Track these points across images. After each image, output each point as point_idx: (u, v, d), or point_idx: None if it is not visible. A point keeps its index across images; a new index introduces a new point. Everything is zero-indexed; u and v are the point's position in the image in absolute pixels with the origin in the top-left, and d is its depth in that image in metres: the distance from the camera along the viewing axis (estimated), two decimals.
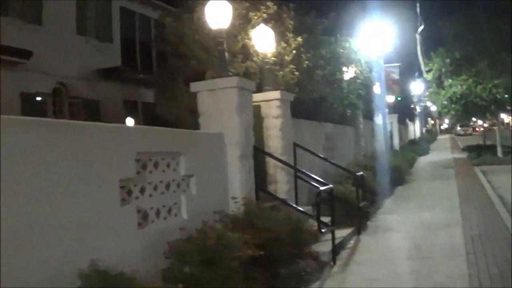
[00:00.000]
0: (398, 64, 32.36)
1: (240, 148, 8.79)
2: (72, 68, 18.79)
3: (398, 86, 34.06)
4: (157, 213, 7.04)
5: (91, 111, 19.64)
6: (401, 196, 16.58)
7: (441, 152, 39.24)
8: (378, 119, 24.58)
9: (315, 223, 8.54)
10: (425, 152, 38.26)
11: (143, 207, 6.73)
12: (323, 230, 8.33)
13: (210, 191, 8.17)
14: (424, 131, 56.41)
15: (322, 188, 8.63)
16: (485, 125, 59.19)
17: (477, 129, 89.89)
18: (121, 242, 6.05)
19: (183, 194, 7.60)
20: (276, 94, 11.07)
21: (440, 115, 65.11)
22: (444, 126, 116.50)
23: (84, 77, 19.44)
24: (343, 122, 18.87)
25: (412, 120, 52.18)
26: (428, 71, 26.64)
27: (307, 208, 10.86)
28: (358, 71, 17.91)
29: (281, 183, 11.05)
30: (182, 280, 5.93)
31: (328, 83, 14.57)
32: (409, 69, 38.92)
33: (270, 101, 11.11)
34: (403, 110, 40.02)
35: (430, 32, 27.90)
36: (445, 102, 25.63)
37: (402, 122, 42.14)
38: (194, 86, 9.17)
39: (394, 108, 35.48)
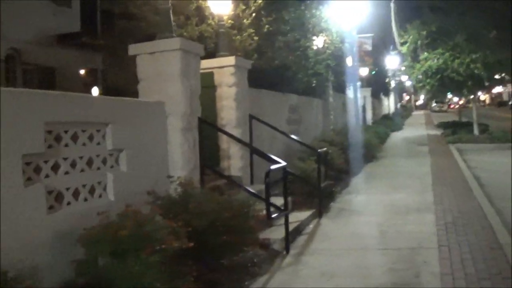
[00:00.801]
0: (371, 35, 30.98)
1: (182, 119, 7.73)
2: (26, 33, 17.76)
3: (371, 57, 32.87)
4: (76, 194, 5.99)
5: (47, 78, 18.64)
6: (370, 174, 15.56)
7: (415, 128, 38.55)
8: (350, 93, 23.56)
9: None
10: (399, 127, 37.56)
11: (56, 187, 5.70)
12: (273, 216, 7.28)
13: (145, 169, 7.12)
14: (399, 106, 55.69)
15: (272, 167, 7.56)
16: (461, 102, 58.69)
17: (452, 106, 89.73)
18: (23, 230, 5.08)
19: (110, 172, 6.55)
20: (230, 60, 9.98)
21: (415, 91, 64.65)
22: (420, 102, 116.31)
23: (39, 43, 18.43)
24: (311, 94, 17.82)
25: (387, 94, 51.34)
26: (402, 44, 25.62)
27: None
28: (328, 41, 16.79)
29: (234, 159, 10.06)
30: (95, 275, 4.98)
31: (291, 50, 13.38)
32: (383, 40, 37.81)
33: (224, 68, 10.04)
34: (377, 84, 39.13)
35: (406, 1, 26.63)
36: (420, 76, 24.65)
37: (376, 97, 41.30)
38: (133, 49, 8.07)
39: (368, 82, 34.54)
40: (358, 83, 24.81)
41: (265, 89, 12.69)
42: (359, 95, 24.21)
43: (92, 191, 6.25)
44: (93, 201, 6.22)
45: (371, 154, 18.73)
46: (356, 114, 21.88)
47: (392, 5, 26.41)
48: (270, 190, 10.05)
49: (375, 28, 30.66)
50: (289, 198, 10.04)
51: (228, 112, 10.05)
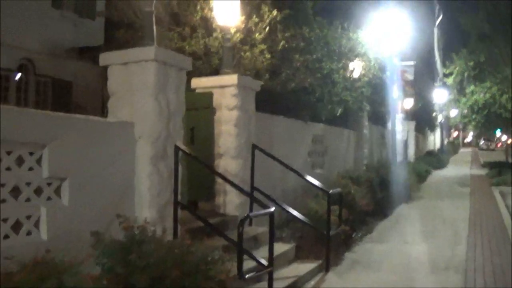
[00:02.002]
0: (413, 63, 29.01)
1: (153, 145, 6.33)
2: (42, 43, 16.85)
3: (412, 88, 30.83)
4: None
5: (62, 92, 17.64)
6: (401, 217, 13.82)
7: (460, 167, 36.46)
8: (391, 125, 21.88)
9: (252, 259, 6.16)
10: (443, 165, 35.52)
11: None
12: (247, 276, 5.70)
13: (97, 204, 5.72)
14: (445, 142, 53.32)
15: (252, 213, 6.12)
16: (509, 141, 56.07)
17: (499, 144, 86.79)
18: None
19: (45, 205, 5.19)
20: (232, 79, 8.53)
21: (464, 127, 62.17)
22: (469, 139, 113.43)
23: (56, 55, 17.48)
24: (342, 124, 16.27)
25: (433, 129, 49.07)
26: (448, 75, 23.95)
27: (265, 230, 8.38)
28: (365, 67, 15.22)
29: (231, 194, 8.55)
30: None
31: (310, 72, 11.78)
32: (426, 69, 35.69)
33: (225, 88, 8.60)
34: (423, 118, 37.15)
35: (451, 27, 24.88)
36: (466, 111, 22.93)
37: (420, 131, 39.30)
38: (104, 58, 6.77)
39: (413, 115, 32.65)
40: (400, 115, 23.17)
41: (281, 115, 11.22)
42: (399, 128, 22.57)
43: (17, 227, 4.94)
44: (19, 240, 4.95)
45: (406, 193, 17.04)
46: (393, 148, 20.18)
47: (435, 30, 24.73)
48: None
49: (416, 52, 28.76)
50: (294, 245, 8.65)
51: (227, 140, 8.60)
